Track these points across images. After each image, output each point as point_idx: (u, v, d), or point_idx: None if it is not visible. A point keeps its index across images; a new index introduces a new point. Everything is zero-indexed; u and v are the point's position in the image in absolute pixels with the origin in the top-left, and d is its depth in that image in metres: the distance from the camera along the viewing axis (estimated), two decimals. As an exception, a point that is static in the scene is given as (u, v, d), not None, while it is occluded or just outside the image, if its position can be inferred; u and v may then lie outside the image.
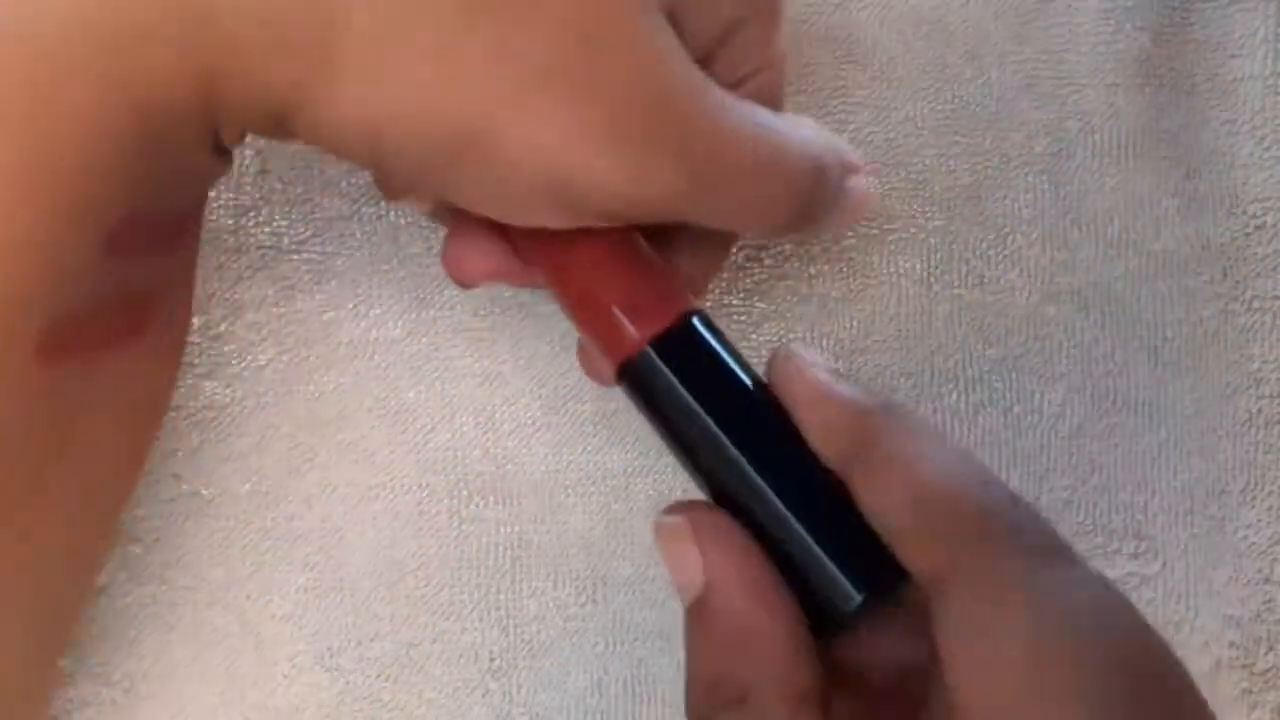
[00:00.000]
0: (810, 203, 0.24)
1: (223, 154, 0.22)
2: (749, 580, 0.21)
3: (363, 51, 0.20)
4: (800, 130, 0.24)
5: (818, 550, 0.21)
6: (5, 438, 0.20)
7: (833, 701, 0.23)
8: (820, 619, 0.21)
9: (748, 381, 0.23)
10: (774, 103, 0.26)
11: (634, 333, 0.23)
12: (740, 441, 0.22)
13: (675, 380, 0.22)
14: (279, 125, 0.21)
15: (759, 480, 0.22)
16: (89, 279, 0.20)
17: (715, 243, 0.27)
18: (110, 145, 0.19)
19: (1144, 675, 0.18)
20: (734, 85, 0.25)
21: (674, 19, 0.22)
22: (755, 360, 0.32)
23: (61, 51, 0.18)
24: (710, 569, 0.21)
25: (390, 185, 0.25)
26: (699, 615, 0.21)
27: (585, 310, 0.24)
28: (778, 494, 0.21)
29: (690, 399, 0.22)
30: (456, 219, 0.25)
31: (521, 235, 0.24)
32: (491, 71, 0.20)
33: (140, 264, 0.21)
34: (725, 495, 0.22)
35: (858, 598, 0.21)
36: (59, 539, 0.24)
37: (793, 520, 0.21)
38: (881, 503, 0.21)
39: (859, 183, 0.25)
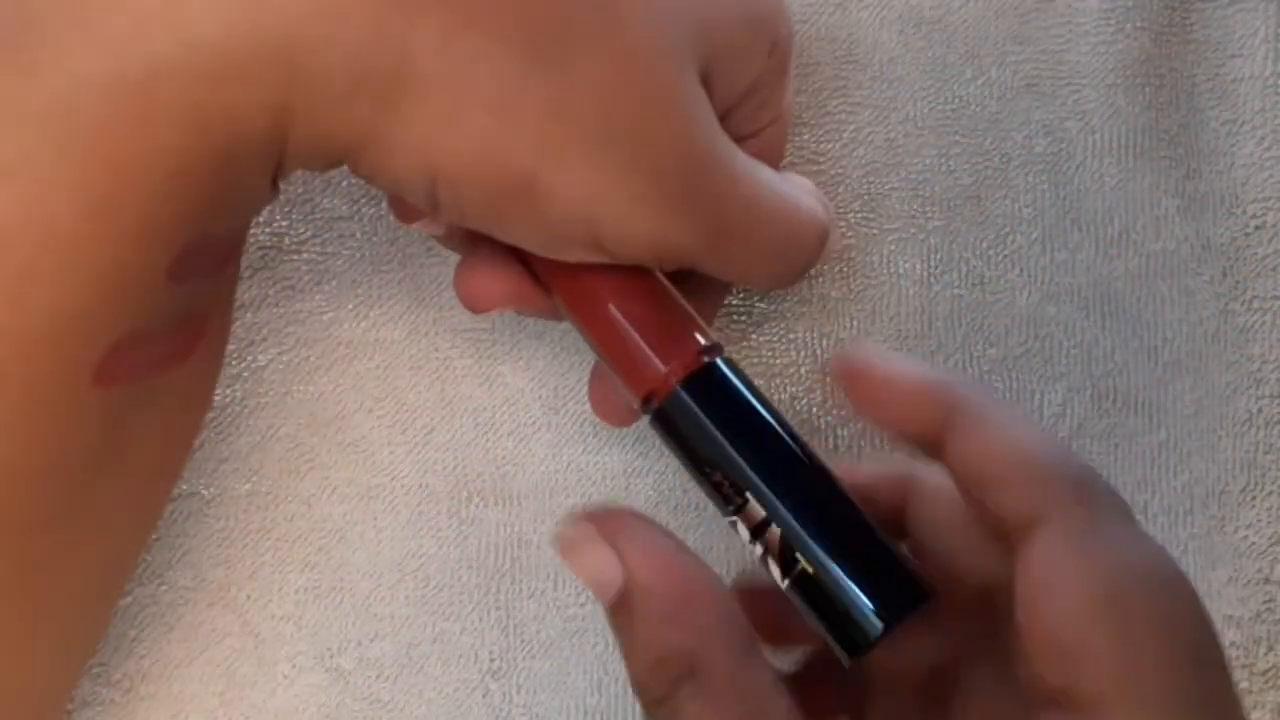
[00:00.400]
0: (812, 262, 0.26)
1: (276, 183, 0.23)
2: (665, 560, 0.22)
3: (430, 97, 0.20)
4: (805, 195, 0.26)
5: (848, 579, 0.22)
6: (57, 454, 0.21)
7: (866, 706, 0.25)
8: (852, 642, 0.22)
9: (771, 419, 0.24)
10: (777, 152, 0.28)
11: (661, 367, 0.24)
12: (769, 476, 0.23)
13: (705, 418, 0.23)
14: (336, 161, 0.22)
15: (787, 513, 0.23)
16: (150, 304, 0.21)
17: (718, 285, 0.28)
18: (186, 179, 0.20)
19: (1202, 641, 0.20)
20: (745, 138, 0.26)
21: (705, 79, 0.23)
22: (756, 360, 0.32)
23: (151, 89, 0.19)
24: (628, 558, 0.22)
25: (411, 211, 0.25)
26: (626, 606, 0.22)
27: (610, 342, 0.24)
28: (806, 525, 0.22)
29: (721, 436, 0.23)
30: (471, 244, 0.26)
31: (543, 263, 0.25)
32: (548, 128, 0.21)
33: (197, 287, 0.22)
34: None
35: (879, 626, 0.22)
36: (97, 554, 0.24)
37: (822, 550, 0.22)
38: (980, 453, 0.22)
39: (835, 238, 0.28)
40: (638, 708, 0.31)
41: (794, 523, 0.22)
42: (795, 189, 0.26)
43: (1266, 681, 0.31)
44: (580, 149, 0.21)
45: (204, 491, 0.31)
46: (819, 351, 0.32)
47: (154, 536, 0.31)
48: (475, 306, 0.26)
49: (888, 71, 0.32)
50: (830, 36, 0.32)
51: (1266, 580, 0.32)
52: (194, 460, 0.31)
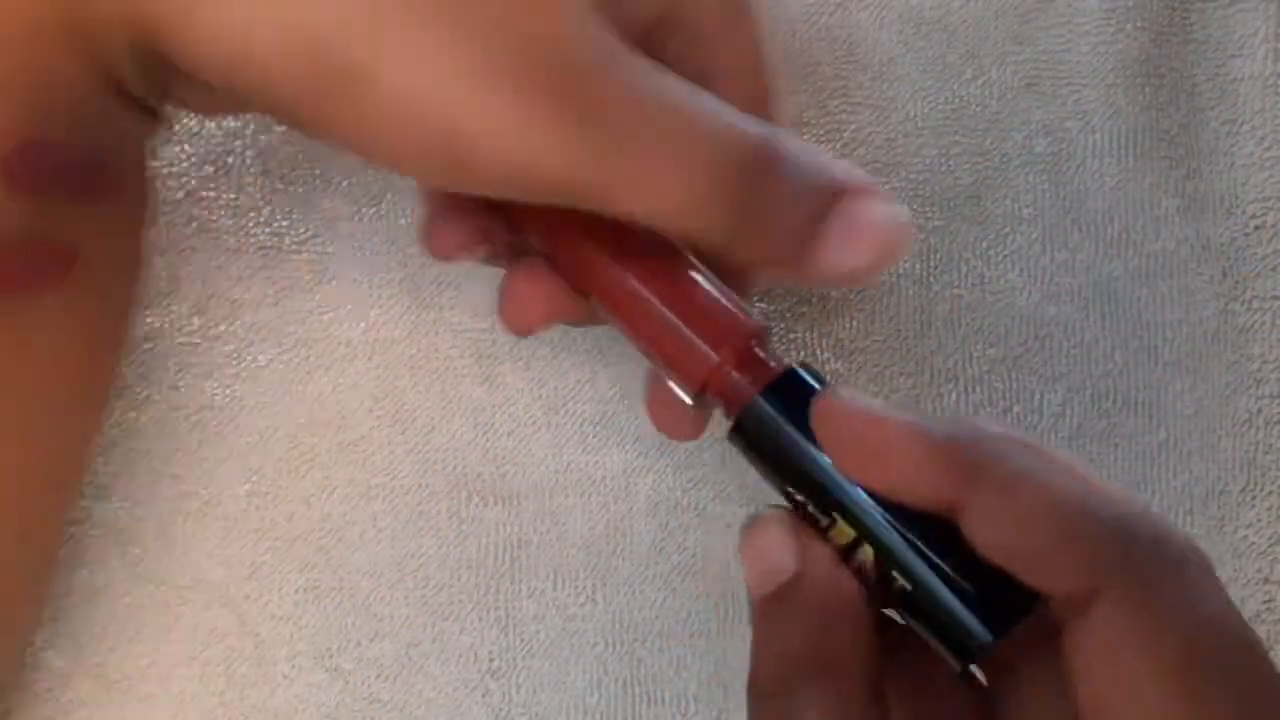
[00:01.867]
0: (748, 199, 0.21)
1: (142, 108, 0.22)
2: (837, 572, 0.22)
3: None
4: (736, 114, 0.21)
5: (947, 592, 0.21)
6: None
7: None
8: (963, 649, 0.21)
9: None
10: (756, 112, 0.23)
11: (713, 355, 0.23)
12: (857, 495, 0.22)
13: (789, 431, 0.22)
14: (150, 49, 0.20)
15: (886, 533, 0.21)
16: None
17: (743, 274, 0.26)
18: None
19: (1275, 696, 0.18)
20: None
21: None
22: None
23: None
24: (809, 551, 0.22)
25: (446, 241, 0.24)
26: (786, 598, 0.21)
27: (655, 335, 0.24)
28: (907, 544, 0.21)
29: (807, 453, 0.22)
30: (512, 264, 0.25)
31: (574, 265, 0.24)
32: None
33: (55, 207, 0.21)
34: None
35: (988, 637, 0.21)
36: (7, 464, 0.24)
37: (920, 561, 0.21)
38: (1009, 527, 0.20)
39: (868, 209, 0.22)
40: (637, 708, 0.31)
41: (895, 543, 0.21)
42: (727, 108, 0.21)
43: (1266, 681, 0.31)
44: (396, 18, 0.18)
45: (203, 491, 0.31)
46: (819, 351, 0.32)
47: (154, 537, 0.31)
48: (521, 328, 0.25)
49: (888, 71, 0.32)
50: (830, 36, 0.32)
51: (1266, 580, 0.32)
52: (194, 460, 0.31)
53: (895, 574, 0.21)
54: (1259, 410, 0.32)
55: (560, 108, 0.19)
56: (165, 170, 0.31)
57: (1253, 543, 0.32)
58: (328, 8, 0.18)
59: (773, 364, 0.23)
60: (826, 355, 0.32)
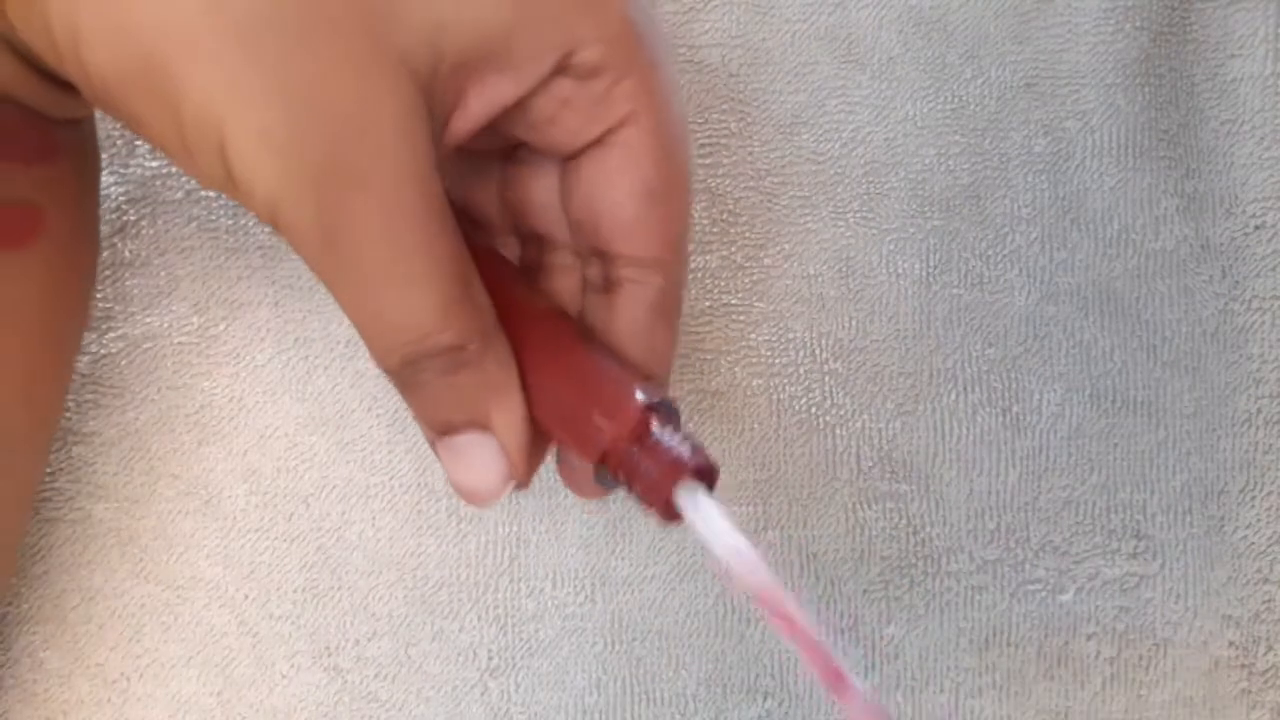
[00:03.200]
0: (409, 378, 0.22)
1: (48, 76, 0.22)
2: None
3: None
4: (428, 298, 0.21)
5: None
6: None
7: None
8: None
9: None
10: (648, 162, 0.23)
11: (604, 427, 0.22)
12: None
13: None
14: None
15: None
16: None
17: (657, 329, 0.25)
18: None
19: None
20: (583, 146, 0.23)
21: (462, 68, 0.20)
22: (755, 360, 0.32)
23: None
24: None
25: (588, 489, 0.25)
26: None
27: (549, 412, 0.23)
28: None
29: None
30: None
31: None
32: (194, 7, 0.18)
33: (14, 169, 0.22)
34: None
35: None
36: None
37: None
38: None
39: (473, 446, 0.22)
40: (636, 707, 0.31)
41: None
42: (443, 283, 0.21)
43: (1266, 681, 0.31)
44: (222, 42, 0.18)
45: (203, 491, 0.31)
46: (818, 351, 0.32)
47: (153, 537, 0.31)
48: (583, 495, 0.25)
49: (887, 71, 0.33)
50: (830, 36, 0.32)
51: (1266, 580, 0.32)
52: (193, 460, 0.31)
53: None
54: (1258, 410, 0.32)
55: (309, 194, 0.19)
56: (165, 170, 0.31)
57: (1252, 543, 0.32)
58: (154, 10, 0.19)
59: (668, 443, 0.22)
60: (826, 355, 0.32)
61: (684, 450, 0.21)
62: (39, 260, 0.24)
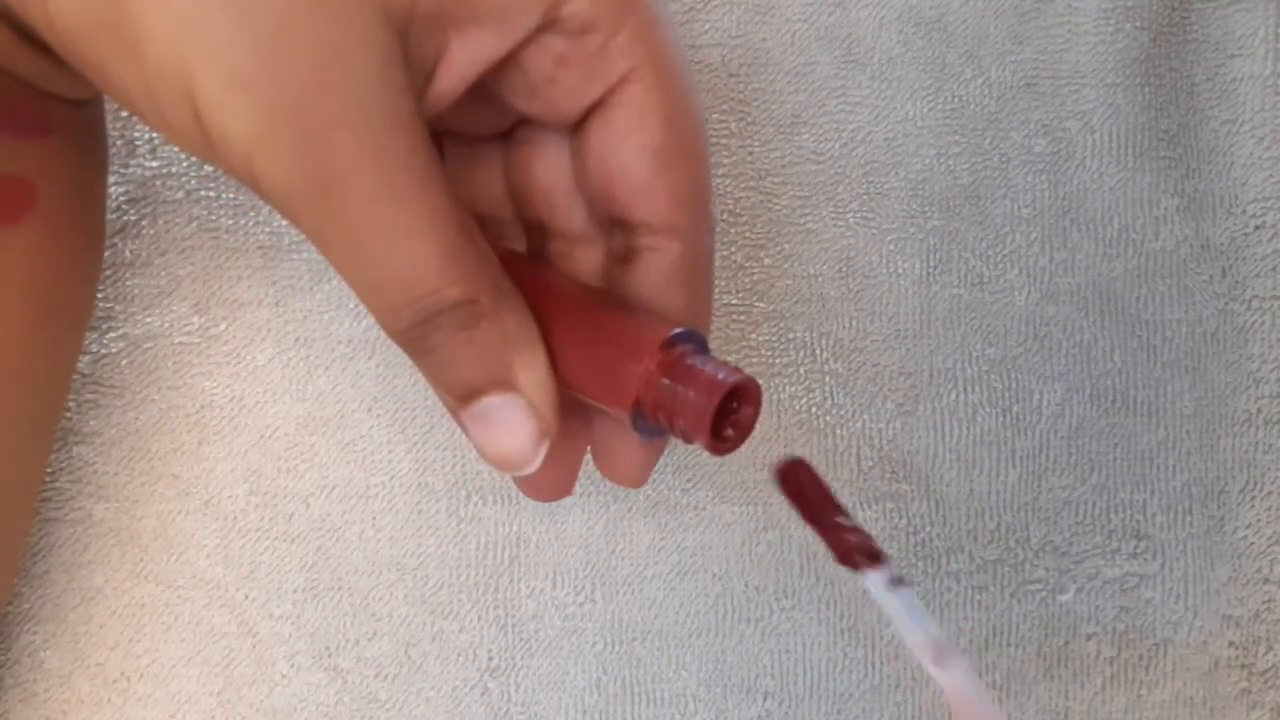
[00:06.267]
0: (421, 340, 0.20)
1: (46, 51, 0.22)
2: None
3: None
4: (458, 253, 0.20)
5: None
6: None
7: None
8: None
9: None
10: (651, 123, 0.22)
11: (637, 367, 0.21)
12: None
13: None
14: None
15: None
16: None
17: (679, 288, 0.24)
18: None
19: None
20: (587, 110, 0.22)
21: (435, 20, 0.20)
22: (755, 360, 0.32)
23: None
24: None
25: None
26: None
27: (578, 373, 0.22)
28: None
29: None
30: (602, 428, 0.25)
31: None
32: None
33: (6, 141, 0.22)
34: None
35: None
36: None
37: None
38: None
39: (501, 409, 0.21)
40: (636, 708, 0.31)
41: None
42: (442, 235, 0.20)
43: (1266, 681, 0.31)
44: None
45: (203, 491, 0.31)
46: (818, 351, 0.32)
47: (153, 537, 0.31)
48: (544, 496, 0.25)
49: (887, 71, 0.32)
50: (830, 36, 0.32)
51: (1266, 580, 0.32)
52: (194, 460, 0.31)
53: None
54: (1258, 410, 0.32)
55: (295, 150, 0.19)
56: (165, 170, 0.31)
57: (1252, 542, 0.32)
58: None
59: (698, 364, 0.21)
60: (826, 355, 0.32)
61: (719, 371, 0.20)
62: (26, 239, 0.24)
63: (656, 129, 0.22)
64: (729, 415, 0.21)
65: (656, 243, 0.23)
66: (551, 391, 0.21)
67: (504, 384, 0.21)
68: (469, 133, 0.24)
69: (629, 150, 0.22)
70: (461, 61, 0.20)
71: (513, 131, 0.24)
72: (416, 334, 0.20)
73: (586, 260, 0.24)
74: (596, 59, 0.21)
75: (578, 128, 0.23)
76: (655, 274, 0.23)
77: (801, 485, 0.22)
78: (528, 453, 0.21)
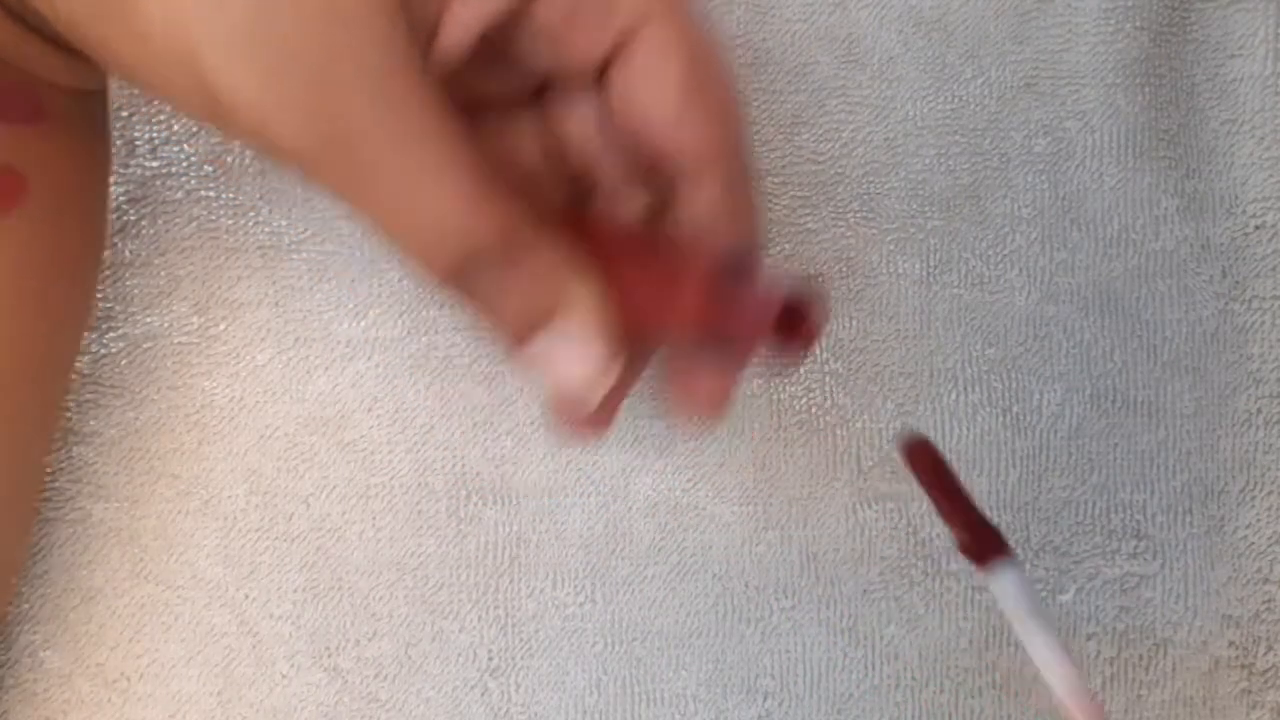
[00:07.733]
0: (465, 282, 0.20)
1: (46, 39, 0.22)
2: None
3: None
4: (490, 203, 0.20)
5: None
6: None
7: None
8: None
9: None
10: (675, 77, 0.22)
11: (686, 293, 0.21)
12: None
13: None
14: None
15: None
16: None
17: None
18: None
19: None
20: (608, 55, 0.22)
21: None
22: (755, 360, 0.32)
23: None
24: None
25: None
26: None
27: (636, 301, 0.22)
28: None
29: None
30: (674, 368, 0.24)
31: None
32: None
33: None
34: None
35: None
36: None
37: None
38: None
39: (560, 341, 0.21)
40: (636, 708, 0.31)
41: None
42: (464, 177, 0.20)
43: (1266, 681, 0.31)
44: None
45: (203, 491, 0.31)
46: (818, 351, 0.32)
47: (153, 537, 0.31)
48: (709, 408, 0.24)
49: (887, 71, 0.32)
50: (830, 36, 0.32)
51: (1265, 580, 0.32)
52: (193, 460, 0.31)
53: None
54: (1258, 410, 0.32)
55: (307, 103, 0.19)
56: (165, 170, 0.31)
57: (1252, 542, 0.32)
58: None
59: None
60: (826, 355, 0.32)
61: (778, 285, 0.20)
62: (15, 231, 0.23)
63: (677, 61, 0.22)
64: (796, 326, 0.21)
65: (696, 177, 0.23)
66: (607, 314, 0.21)
67: (557, 312, 0.21)
68: (499, 98, 0.24)
69: (653, 86, 0.22)
70: (465, 15, 0.21)
71: (542, 95, 0.24)
72: (464, 278, 0.20)
73: (630, 214, 0.24)
74: (606, 2, 0.21)
75: (601, 78, 0.23)
76: (700, 207, 0.23)
77: (934, 466, 0.22)
78: (597, 378, 0.21)
